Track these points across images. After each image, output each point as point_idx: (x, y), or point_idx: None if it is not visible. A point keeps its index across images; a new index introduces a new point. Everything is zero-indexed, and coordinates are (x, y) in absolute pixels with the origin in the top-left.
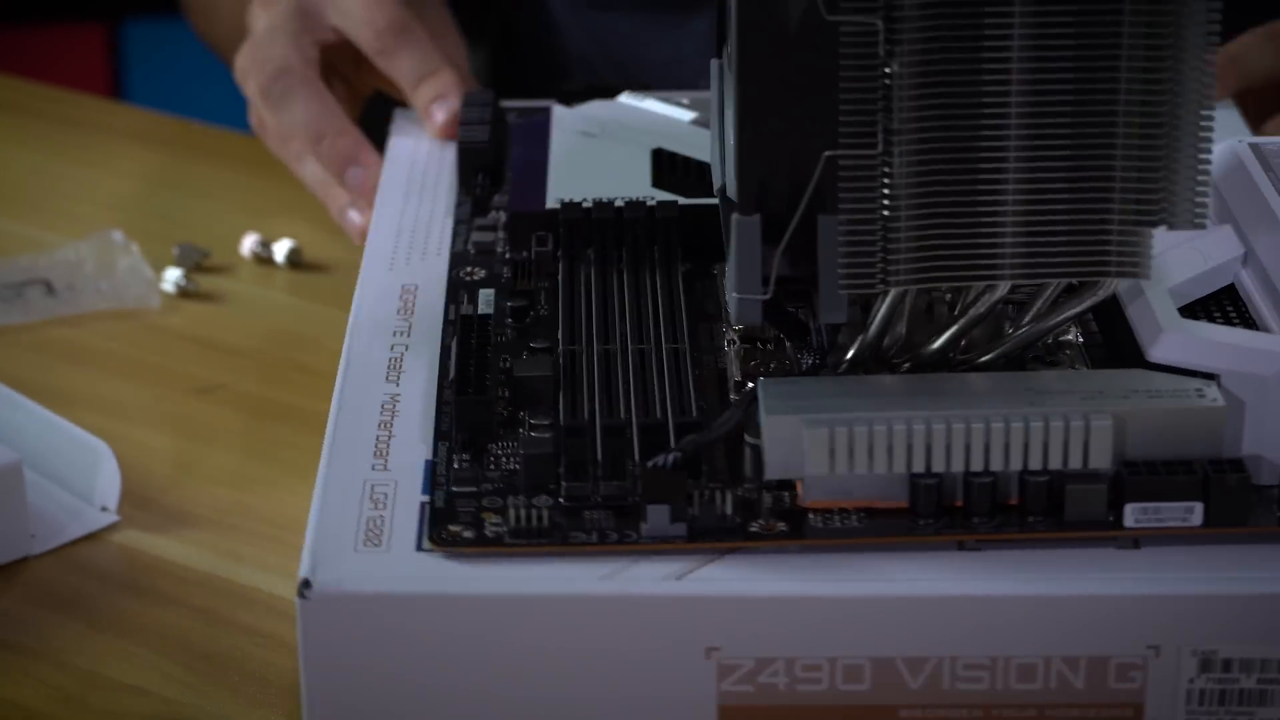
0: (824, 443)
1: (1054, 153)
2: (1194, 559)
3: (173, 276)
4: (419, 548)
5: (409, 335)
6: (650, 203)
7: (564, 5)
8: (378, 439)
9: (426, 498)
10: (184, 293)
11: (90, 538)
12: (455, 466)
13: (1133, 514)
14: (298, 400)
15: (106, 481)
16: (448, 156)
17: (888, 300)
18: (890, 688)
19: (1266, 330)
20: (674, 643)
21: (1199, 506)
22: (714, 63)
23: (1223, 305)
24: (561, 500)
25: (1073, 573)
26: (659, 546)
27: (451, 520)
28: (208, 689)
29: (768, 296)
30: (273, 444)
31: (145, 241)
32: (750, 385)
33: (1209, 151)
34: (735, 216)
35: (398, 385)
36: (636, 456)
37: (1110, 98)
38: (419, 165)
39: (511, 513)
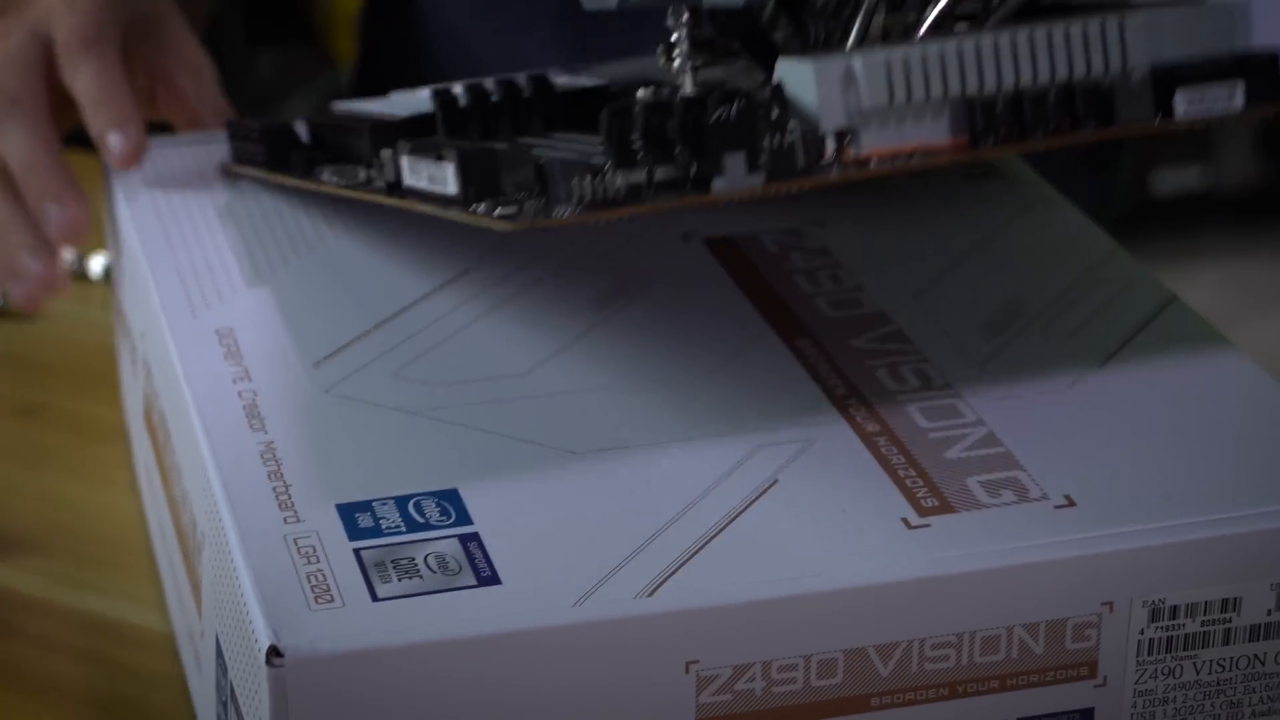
0: (880, 70)
1: None
2: (1133, 512)
3: None
4: (375, 598)
5: (250, 380)
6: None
7: None
8: (275, 490)
9: (358, 544)
10: None
11: None
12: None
13: (1182, 102)
14: (124, 419)
15: None
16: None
17: None
18: (862, 678)
19: None
20: (655, 659)
21: (1240, 86)
22: None
23: None
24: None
25: (1023, 540)
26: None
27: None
28: (45, 718)
29: None
30: (101, 464)
31: None
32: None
33: None
34: None
35: (266, 432)
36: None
37: None
38: (160, 205)
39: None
